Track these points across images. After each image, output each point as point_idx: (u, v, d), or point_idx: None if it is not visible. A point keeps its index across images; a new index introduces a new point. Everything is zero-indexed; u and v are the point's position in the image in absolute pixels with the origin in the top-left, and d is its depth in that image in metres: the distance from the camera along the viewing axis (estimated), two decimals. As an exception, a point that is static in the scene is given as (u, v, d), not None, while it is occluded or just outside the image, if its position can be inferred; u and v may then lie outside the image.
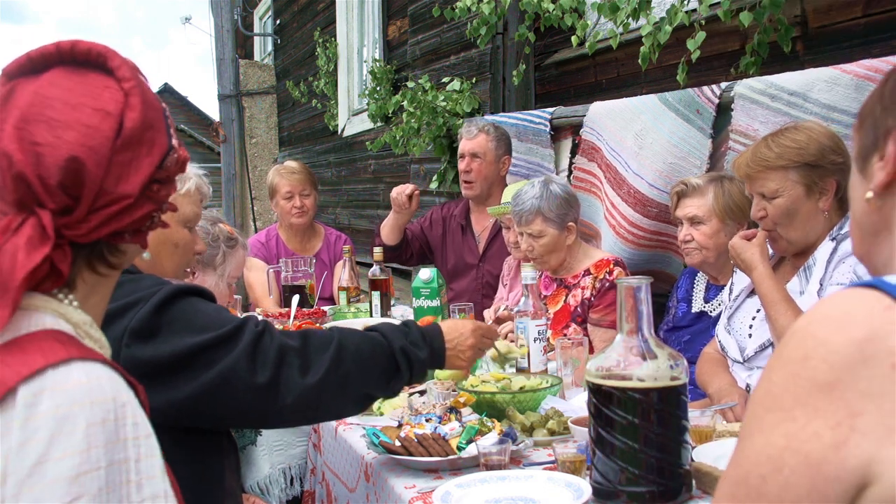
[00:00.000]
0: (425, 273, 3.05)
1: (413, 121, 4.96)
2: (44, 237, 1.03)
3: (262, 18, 12.20)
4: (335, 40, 8.28)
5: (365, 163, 7.64)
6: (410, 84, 5.31)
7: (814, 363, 0.80)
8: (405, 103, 5.09)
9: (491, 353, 2.28)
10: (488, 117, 4.39)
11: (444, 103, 4.87)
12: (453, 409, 2.10)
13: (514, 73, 4.26)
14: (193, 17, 40.03)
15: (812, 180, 2.18)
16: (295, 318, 3.50)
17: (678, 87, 3.15)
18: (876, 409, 0.77)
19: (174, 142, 1.16)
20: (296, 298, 3.64)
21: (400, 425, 2.07)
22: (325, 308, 3.76)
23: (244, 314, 1.99)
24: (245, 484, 2.84)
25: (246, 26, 11.43)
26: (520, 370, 2.54)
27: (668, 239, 3.27)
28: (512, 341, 2.85)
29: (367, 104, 6.63)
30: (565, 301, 3.11)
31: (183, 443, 1.59)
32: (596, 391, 1.65)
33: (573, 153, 3.81)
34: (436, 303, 3.02)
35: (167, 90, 28.30)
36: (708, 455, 1.77)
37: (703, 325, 2.71)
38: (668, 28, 3.06)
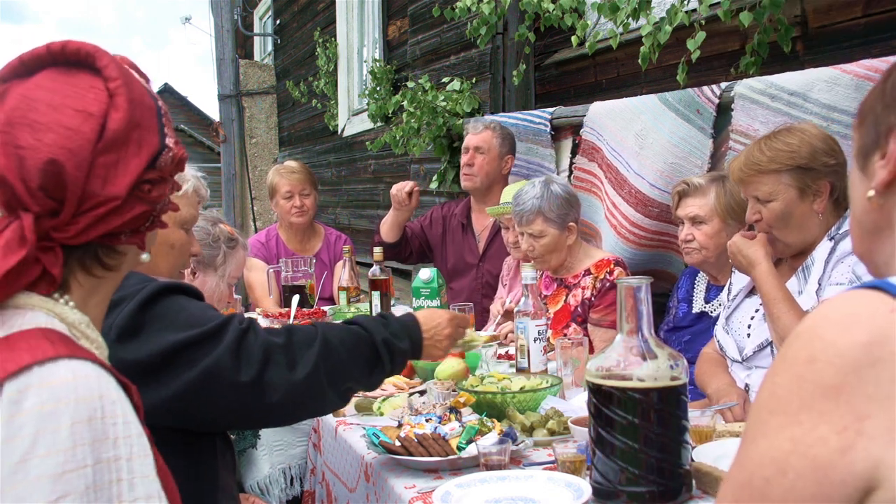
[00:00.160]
0: (425, 273, 3.05)
1: (413, 121, 4.96)
2: (21, 241, 1.02)
3: (262, 18, 12.20)
4: (335, 40, 8.28)
5: (365, 163, 7.64)
6: (410, 84, 5.31)
7: (819, 366, 0.79)
8: (405, 103, 5.09)
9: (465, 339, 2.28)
10: (489, 117, 4.39)
11: (444, 103, 4.87)
12: (453, 409, 2.10)
13: (514, 73, 4.26)
14: (193, 17, 40.07)
15: (805, 183, 2.18)
16: (295, 318, 3.50)
17: (678, 87, 3.15)
18: (883, 412, 0.76)
19: (168, 141, 1.14)
20: (296, 298, 3.64)
21: (400, 425, 2.07)
22: (325, 308, 3.76)
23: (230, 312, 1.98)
24: (245, 484, 2.84)
25: (246, 26, 11.43)
26: (520, 370, 2.54)
27: (668, 239, 3.27)
28: (512, 342, 2.86)
29: (367, 104, 6.63)
30: (565, 301, 3.11)
31: (174, 442, 1.58)
32: (596, 391, 1.65)
33: (573, 153, 3.81)
34: (436, 303, 3.02)
35: (167, 90, 28.28)
36: (708, 455, 1.77)
37: (704, 326, 2.71)
38: (668, 28, 3.06)
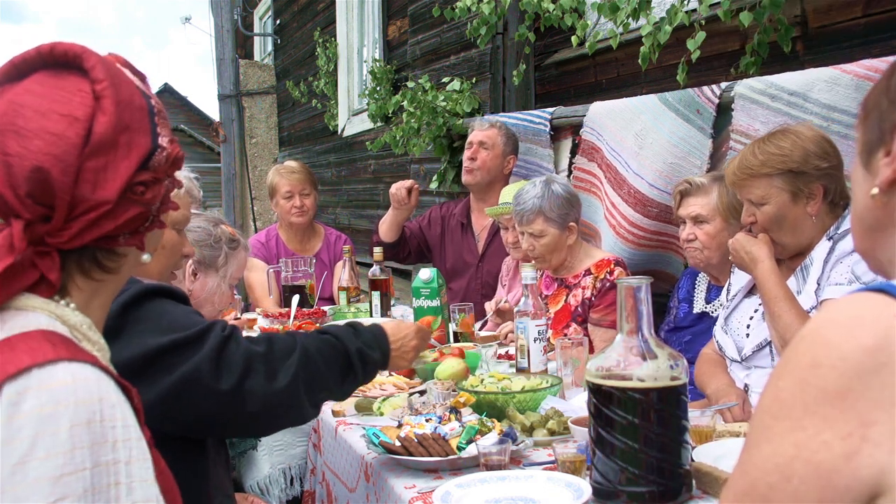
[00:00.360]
0: (425, 273, 3.05)
1: (413, 121, 4.96)
2: (10, 248, 1.02)
3: (262, 18, 12.19)
4: (335, 40, 8.28)
5: (365, 163, 7.64)
6: (410, 84, 5.31)
7: (823, 371, 0.78)
8: (405, 103, 5.09)
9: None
10: (489, 117, 4.39)
11: (444, 103, 4.87)
12: (453, 409, 2.10)
13: (514, 73, 4.26)
14: (193, 17, 40.02)
15: (797, 187, 2.18)
16: (295, 318, 3.51)
17: (678, 87, 3.15)
18: (888, 418, 0.75)
19: (162, 141, 1.12)
20: (296, 298, 3.64)
21: (400, 425, 2.07)
22: (325, 308, 3.76)
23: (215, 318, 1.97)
24: (245, 484, 2.84)
25: (246, 26, 11.43)
26: (520, 370, 2.54)
27: (668, 239, 3.27)
28: (512, 342, 2.86)
29: (367, 104, 6.63)
30: (566, 301, 3.11)
31: (165, 438, 1.58)
32: (596, 391, 1.65)
33: (573, 153, 3.81)
34: (436, 303, 3.02)
35: (167, 90, 28.28)
36: (708, 455, 1.77)
37: (705, 326, 2.71)
38: (668, 28, 3.06)
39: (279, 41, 10.81)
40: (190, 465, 1.70)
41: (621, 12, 3.23)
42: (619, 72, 3.95)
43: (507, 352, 2.98)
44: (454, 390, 2.30)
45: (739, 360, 2.36)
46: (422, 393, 2.38)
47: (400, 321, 2.16)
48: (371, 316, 3.61)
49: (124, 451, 0.98)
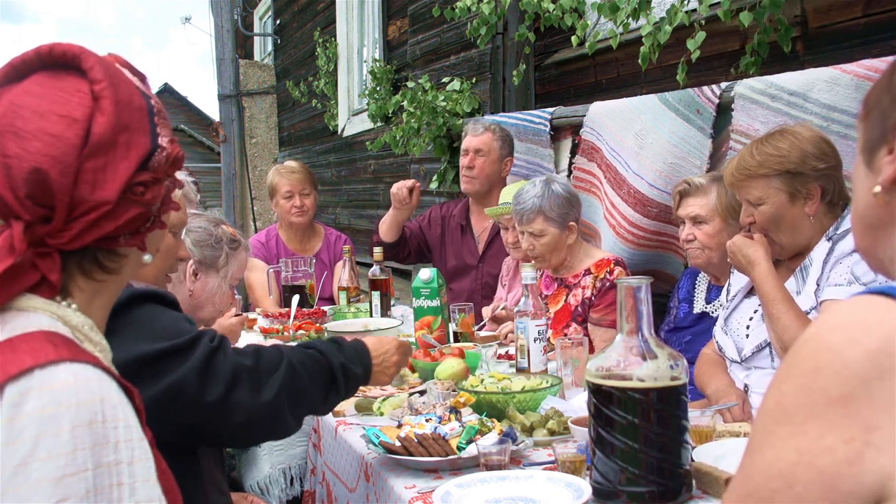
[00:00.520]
0: (425, 273, 3.05)
1: (413, 121, 4.96)
2: (10, 249, 1.02)
3: (262, 18, 12.19)
4: (335, 40, 8.28)
5: (365, 163, 7.64)
6: (410, 84, 5.31)
7: (826, 375, 0.77)
8: (405, 103, 5.09)
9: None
10: (488, 117, 4.39)
11: (444, 103, 4.87)
12: (453, 409, 2.10)
13: (514, 73, 4.26)
14: (193, 17, 40.00)
15: (795, 188, 2.18)
16: (295, 318, 3.51)
17: (678, 87, 3.15)
18: (891, 423, 0.74)
19: (161, 141, 1.12)
20: (296, 298, 3.64)
21: (400, 425, 2.07)
22: (325, 308, 3.77)
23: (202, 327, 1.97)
24: (245, 484, 2.84)
25: (246, 26, 11.43)
26: (520, 370, 2.55)
27: (668, 239, 3.27)
28: (512, 342, 2.86)
29: (367, 104, 6.63)
30: (566, 300, 3.11)
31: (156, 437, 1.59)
32: (596, 391, 1.65)
33: (573, 153, 3.81)
34: (436, 303, 3.02)
35: (167, 90, 28.28)
36: (708, 455, 1.77)
37: (705, 326, 2.71)
38: (668, 28, 3.06)
39: (279, 41, 10.81)
40: (184, 462, 1.70)
41: (621, 12, 3.24)
42: (619, 72, 3.95)
43: (507, 352, 2.98)
44: (454, 390, 2.30)
45: (739, 360, 2.36)
46: (422, 393, 2.38)
47: (381, 337, 2.16)
48: (371, 316, 3.62)
49: (126, 451, 0.98)
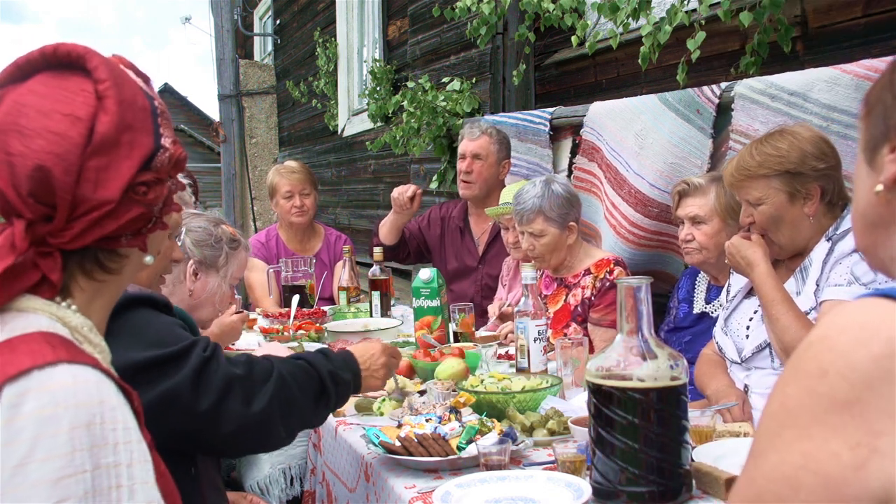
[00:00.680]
0: (425, 273, 3.05)
1: (413, 121, 4.96)
2: (11, 247, 1.02)
3: (262, 18, 12.20)
4: (335, 40, 8.28)
5: (365, 163, 7.64)
6: (410, 84, 5.31)
7: (832, 379, 0.76)
8: (405, 103, 5.09)
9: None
10: (488, 117, 4.39)
11: (444, 103, 4.87)
12: (453, 409, 2.10)
13: (514, 73, 4.26)
14: (193, 17, 40.00)
15: (794, 188, 2.18)
16: (295, 318, 3.51)
17: (678, 87, 3.15)
18: None
19: (164, 141, 1.12)
20: (296, 298, 3.64)
21: (400, 425, 2.07)
22: (325, 308, 3.77)
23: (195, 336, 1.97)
24: (245, 484, 2.84)
25: (246, 26, 11.43)
26: (520, 370, 2.55)
27: (668, 239, 3.27)
28: (512, 342, 2.86)
29: (367, 104, 6.63)
30: (565, 300, 3.11)
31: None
32: (596, 391, 1.65)
33: (573, 153, 3.81)
34: (436, 303, 3.02)
35: (167, 90, 28.28)
36: (708, 455, 1.77)
37: (705, 326, 2.71)
38: (668, 28, 3.06)
39: (279, 41, 10.81)
40: (182, 464, 1.70)
41: (621, 12, 3.24)
42: (619, 72, 3.95)
43: (507, 352, 2.98)
44: (454, 390, 2.30)
45: (739, 361, 2.36)
46: (422, 393, 2.38)
47: (366, 342, 2.17)
48: (371, 316, 3.62)
49: (125, 453, 0.98)
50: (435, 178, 5.15)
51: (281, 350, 2.41)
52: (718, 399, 2.28)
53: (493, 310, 3.35)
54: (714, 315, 2.68)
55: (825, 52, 2.84)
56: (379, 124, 6.49)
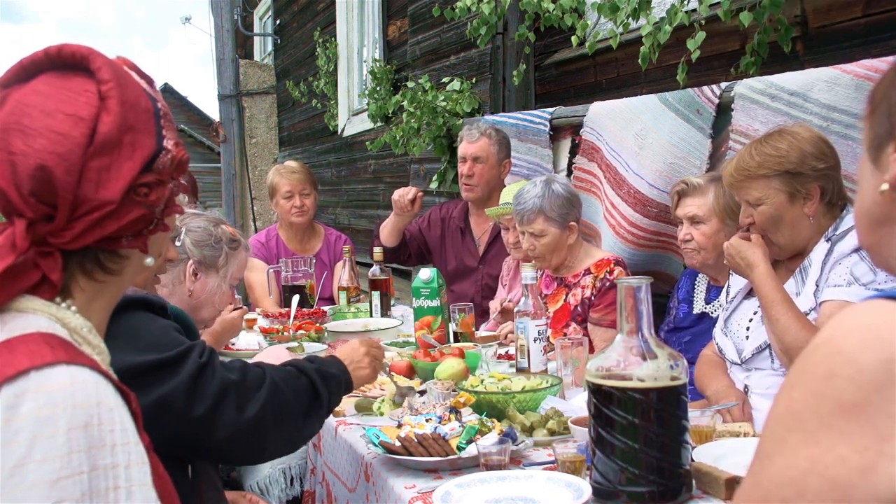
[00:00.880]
0: (425, 273, 3.05)
1: (413, 121, 4.96)
2: (12, 247, 1.02)
3: (262, 18, 12.20)
4: (335, 40, 8.28)
5: (365, 163, 7.64)
6: (410, 84, 5.31)
7: (839, 383, 0.75)
8: (405, 103, 5.09)
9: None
10: (488, 117, 4.39)
11: (444, 103, 4.87)
12: (453, 409, 2.10)
13: (514, 73, 4.26)
14: (193, 17, 39.97)
15: (794, 188, 2.18)
16: (295, 318, 3.51)
17: (678, 87, 3.15)
18: None
19: (167, 143, 1.12)
20: (296, 298, 3.64)
21: (400, 425, 2.07)
22: (325, 308, 3.77)
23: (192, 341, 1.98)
24: (245, 484, 2.84)
25: (246, 26, 11.43)
26: (520, 370, 2.55)
27: (668, 239, 3.27)
28: (512, 342, 2.86)
29: (367, 104, 6.63)
30: (565, 300, 3.11)
31: None
32: (596, 391, 1.65)
33: (573, 153, 3.81)
34: (436, 303, 3.02)
35: (167, 90, 28.29)
36: (708, 455, 1.77)
37: (705, 326, 2.71)
38: (668, 28, 3.06)
39: (279, 41, 10.81)
40: (181, 466, 1.70)
41: (621, 12, 3.24)
42: (619, 72, 3.95)
43: (507, 352, 2.98)
44: (454, 390, 2.30)
45: (739, 362, 2.36)
46: (422, 393, 2.38)
47: (346, 343, 2.21)
48: (371, 316, 3.61)
49: (123, 454, 0.98)
50: (435, 178, 5.15)
51: (282, 354, 2.41)
52: (718, 399, 2.28)
53: (494, 306, 3.35)
54: (714, 315, 2.68)
55: (825, 52, 2.84)
56: (379, 124, 6.50)
